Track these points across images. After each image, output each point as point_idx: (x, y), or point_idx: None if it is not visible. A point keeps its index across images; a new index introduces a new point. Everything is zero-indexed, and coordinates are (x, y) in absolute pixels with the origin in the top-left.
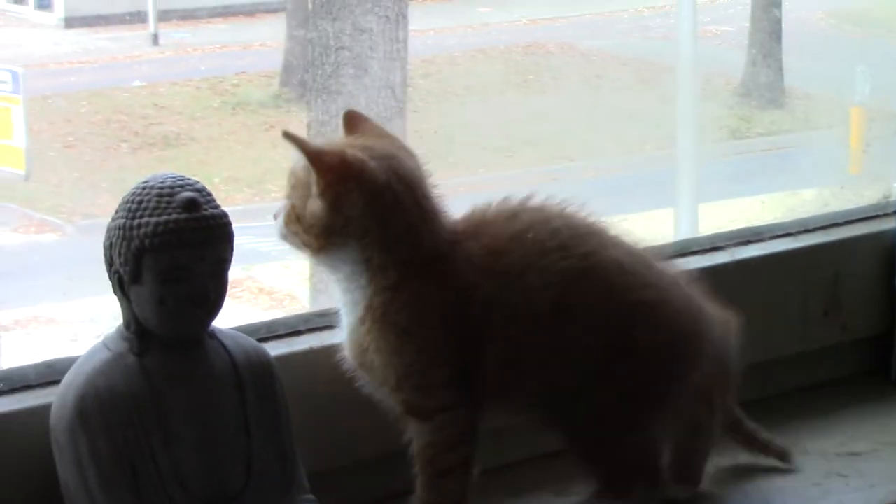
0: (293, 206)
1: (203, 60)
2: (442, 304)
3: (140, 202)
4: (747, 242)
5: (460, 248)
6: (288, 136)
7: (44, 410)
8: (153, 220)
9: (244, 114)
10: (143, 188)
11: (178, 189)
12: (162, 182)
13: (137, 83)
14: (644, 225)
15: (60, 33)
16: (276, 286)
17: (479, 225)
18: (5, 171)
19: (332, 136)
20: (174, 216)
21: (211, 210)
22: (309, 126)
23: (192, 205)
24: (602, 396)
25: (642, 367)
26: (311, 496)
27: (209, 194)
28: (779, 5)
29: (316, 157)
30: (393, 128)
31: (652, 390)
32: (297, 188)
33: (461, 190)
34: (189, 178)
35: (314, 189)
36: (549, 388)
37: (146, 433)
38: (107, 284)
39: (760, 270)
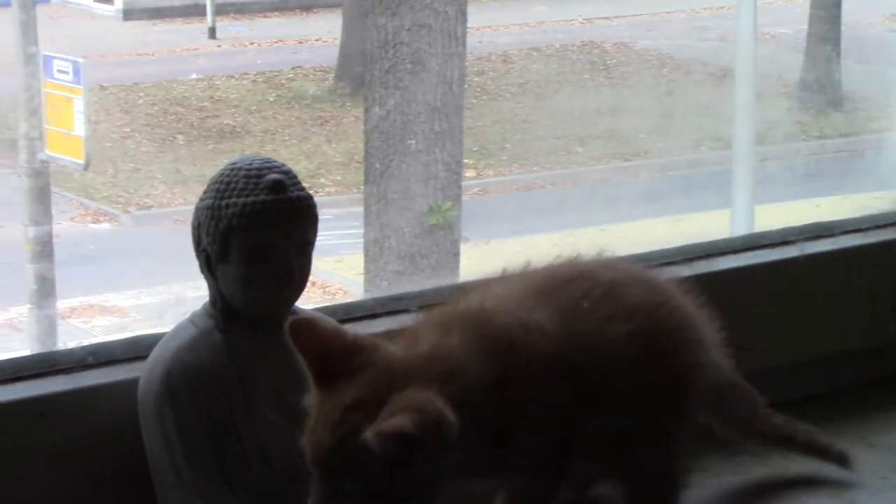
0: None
1: (259, 54)
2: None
3: (228, 183)
4: (818, 237)
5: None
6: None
7: (131, 384)
8: (241, 200)
9: (299, 108)
10: (232, 170)
11: (266, 171)
12: (250, 164)
13: (194, 76)
14: (699, 226)
15: (119, 25)
16: (329, 280)
17: (540, 295)
18: (66, 161)
19: (389, 131)
20: (261, 197)
21: (297, 192)
22: (365, 121)
23: (278, 186)
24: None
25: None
26: None
27: (295, 176)
28: (838, 7)
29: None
30: (449, 124)
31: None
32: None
33: (514, 188)
34: (276, 161)
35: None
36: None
37: (230, 408)
38: (160, 274)
39: (830, 265)
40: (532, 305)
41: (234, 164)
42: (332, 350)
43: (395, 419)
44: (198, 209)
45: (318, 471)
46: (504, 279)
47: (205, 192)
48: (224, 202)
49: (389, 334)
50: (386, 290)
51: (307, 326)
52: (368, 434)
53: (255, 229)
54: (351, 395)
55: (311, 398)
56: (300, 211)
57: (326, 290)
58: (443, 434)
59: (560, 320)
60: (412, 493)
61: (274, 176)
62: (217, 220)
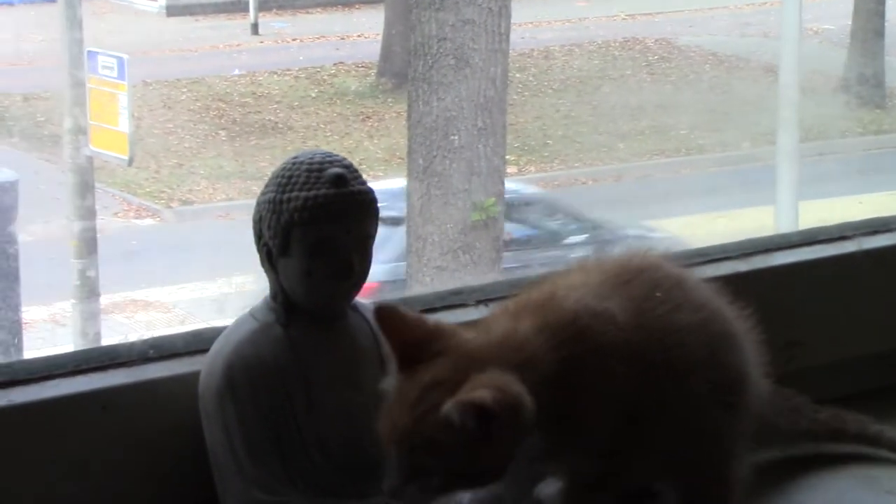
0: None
1: (301, 50)
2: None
3: (290, 177)
4: (875, 232)
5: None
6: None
7: (192, 378)
8: (303, 194)
9: (341, 104)
10: (294, 163)
11: (327, 165)
12: (311, 158)
13: (237, 72)
14: (743, 222)
15: (162, 21)
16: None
17: (612, 284)
18: (110, 157)
19: (432, 126)
20: (323, 191)
21: (358, 186)
22: (409, 116)
23: (340, 180)
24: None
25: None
26: None
27: (356, 171)
28: (882, 2)
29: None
30: (492, 120)
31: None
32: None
33: (556, 184)
34: (337, 155)
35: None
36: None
37: (291, 401)
38: (202, 270)
39: (888, 260)
40: (604, 294)
41: (295, 158)
42: (414, 335)
43: (477, 392)
44: (259, 203)
45: (395, 449)
46: (577, 269)
47: (266, 186)
48: (286, 196)
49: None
50: (431, 286)
51: (391, 312)
52: (449, 405)
53: (317, 223)
54: (430, 375)
55: (390, 382)
56: (361, 205)
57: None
58: (520, 415)
59: (631, 309)
60: (486, 474)
61: (335, 170)
62: (279, 214)
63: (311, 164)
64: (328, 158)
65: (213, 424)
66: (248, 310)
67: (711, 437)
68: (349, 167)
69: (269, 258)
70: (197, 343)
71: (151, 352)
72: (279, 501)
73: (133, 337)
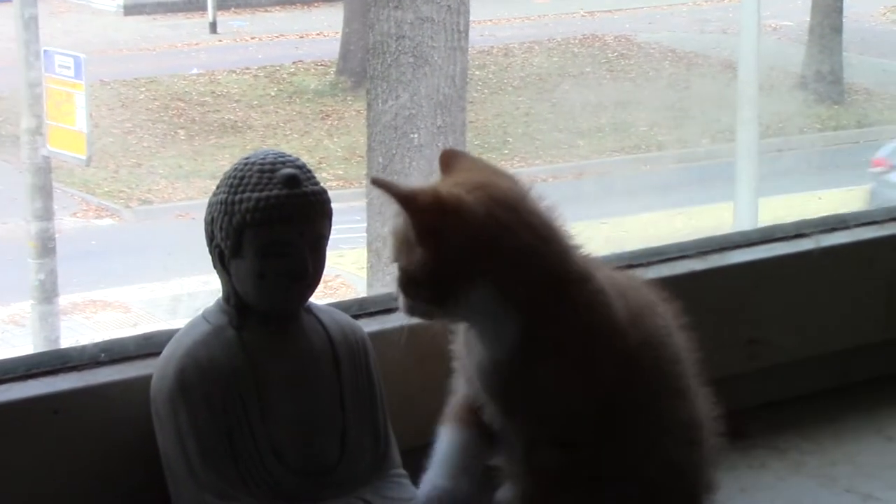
0: (403, 270)
1: (260, 49)
2: (609, 340)
3: (242, 178)
4: (832, 230)
5: (606, 284)
6: (377, 181)
7: (144, 381)
8: (255, 195)
9: (301, 102)
10: (245, 164)
11: (280, 165)
12: (263, 158)
13: (195, 71)
14: (702, 219)
15: (120, 20)
16: (330, 274)
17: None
18: (67, 157)
19: (391, 124)
20: (275, 192)
21: (311, 186)
22: (368, 115)
23: (292, 181)
24: None
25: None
26: (402, 471)
27: (309, 171)
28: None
29: (409, 200)
30: (452, 118)
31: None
32: (402, 247)
33: None
34: (290, 156)
35: (412, 237)
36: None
37: (244, 405)
38: (162, 269)
39: (845, 258)
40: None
41: (247, 158)
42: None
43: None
44: (211, 204)
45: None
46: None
47: (218, 187)
48: (237, 197)
49: (410, 330)
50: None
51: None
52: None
53: (269, 224)
54: None
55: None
56: (314, 206)
57: (328, 284)
58: (461, 212)
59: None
60: (440, 284)
61: (288, 170)
62: (230, 216)
63: (263, 164)
64: (280, 159)
65: (166, 428)
66: (200, 312)
67: (679, 439)
68: (302, 167)
69: (222, 260)
70: (149, 346)
71: (103, 355)
72: None
73: (92, 338)
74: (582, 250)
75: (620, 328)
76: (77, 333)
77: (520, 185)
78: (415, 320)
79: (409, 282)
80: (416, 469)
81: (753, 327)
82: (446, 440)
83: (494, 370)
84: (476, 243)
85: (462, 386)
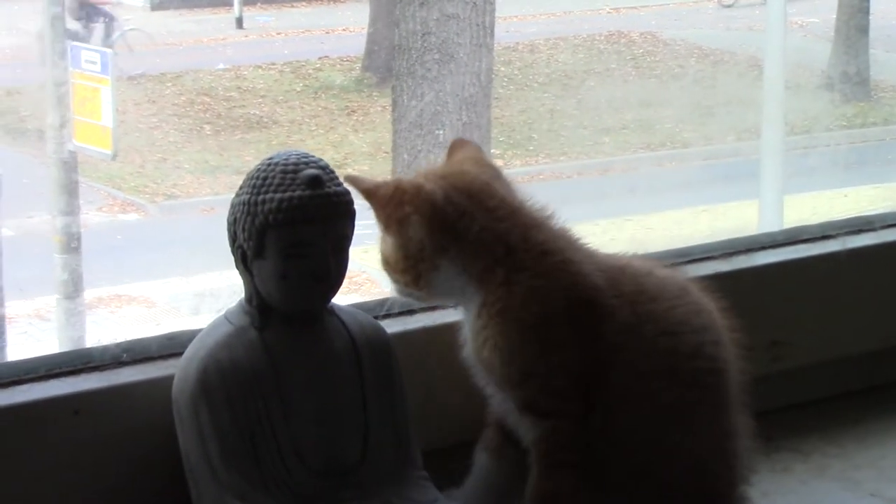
0: (381, 256)
1: (286, 44)
2: (567, 301)
3: (265, 178)
4: (859, 231)
5: (582, 257)
6: (347, 178)
7: (166, 382)
8: (277, 196)
9: (326, 98)
10: (269, 165)
11: (303, 166)
12: (286, 159)
13: (221, 66)
14: (727, 217)
15: (147, 15)
16: (354, 271)
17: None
18: (93, 151)
19: (417, 121)
20: (298, 192)
21: (334, 187)
22: (393, 111)
23: (316, 182)
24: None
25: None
26: (423, 472)
27: (332, 172)
28: None
29: (371, 193)
30: (477, 115)
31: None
32: (381, 237)
33: (541, 177)
34: (313, 156)
35: (379, 227)
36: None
37: (266, 406)
38: (186, 265)
39: (872, 259)
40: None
41: (270, 159)
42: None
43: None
44: (233, 205)
45: None
46: None
47: (241, 188)
48: (260, 197)
49: (427, 332)
50: None
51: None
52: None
53: (292, 225)
54: None
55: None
56: (337, 207)
57: (353, 280)
58: (422, 199)
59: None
60: (412, 268)
61: (311, 171)
62: (253, 216)
63: (286, 165)
64: (304, 159)
65: (187, 429)
66: (222, 312)
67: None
68: (325, 168)
69: (244, 260)
70: (171, 346)
71: (125, 355)
72: None
73: (116, 333)
74: (565, 234)
75: (590, 300)
76: (102, 328)
77: (490, 174)
78: (436, 320)
79: (386, 266)
80: (437, 470)
81: (777, 329)
82: (477, 467)
83: (470, 333)
84: (434, 227)
85: (492, 408)
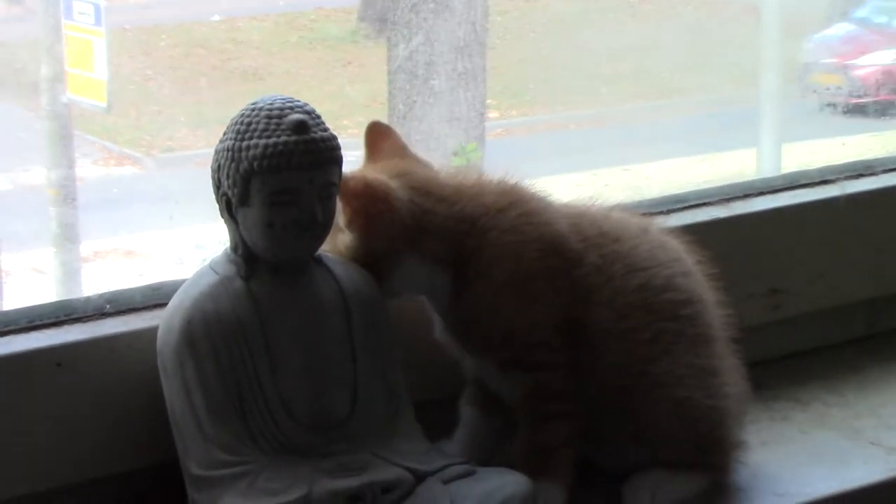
0: (341, 248)
1: None
2: (538, 252)
3: (249, 124)
4: (858, 176)
5: (542, 207)
6: None
7: (150, 333)
8: (262, 141)
9: (322, 49)
10: (253, 110)
11: (288, 111)
12: (271, 104)
13: (216, 17)
14: (725, 166)
15: None
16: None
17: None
18: (87, 104)
19: (412, 71)
20: (283, 138)
21: (320, 133)
22: (388, 61)
23: (301, 127)
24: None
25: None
26: (416, 425)
27: (318, 117)
28: None
29: (342, 185)
30: (472, 64)
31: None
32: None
33: (540, 128)
34: (298, 101)
35: (341, 221)
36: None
37: (252, 358)
38: (183, 217)
39: (872, 205)
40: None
41: (254, 103)
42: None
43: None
44: (217, 151)
45: None
46: None
47: (224, 134)
48: (244, 143)
49: None
50: None
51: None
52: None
53: (277, 171)
54: None
55: None
56: (324, 152)
57: None
58: (391, 199)
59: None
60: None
61: (296, 116)
62: (237, 163)
63: (270, 110)
64: (289, 104)
65: (172, 382)
66: (207, 262)
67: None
68: (311, 113)
69: (229, 208)
70: (156, 297)
71: (108, 306)
72: (240, 461)
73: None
74: (519, 188)
75: (558, 247)
76: (98, 281)
77: (422, 162)
78: None
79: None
80: (429, 422)
81: (776, 277)
82: (465, 419)
83: (444, 319)
84: (399, 227)
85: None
